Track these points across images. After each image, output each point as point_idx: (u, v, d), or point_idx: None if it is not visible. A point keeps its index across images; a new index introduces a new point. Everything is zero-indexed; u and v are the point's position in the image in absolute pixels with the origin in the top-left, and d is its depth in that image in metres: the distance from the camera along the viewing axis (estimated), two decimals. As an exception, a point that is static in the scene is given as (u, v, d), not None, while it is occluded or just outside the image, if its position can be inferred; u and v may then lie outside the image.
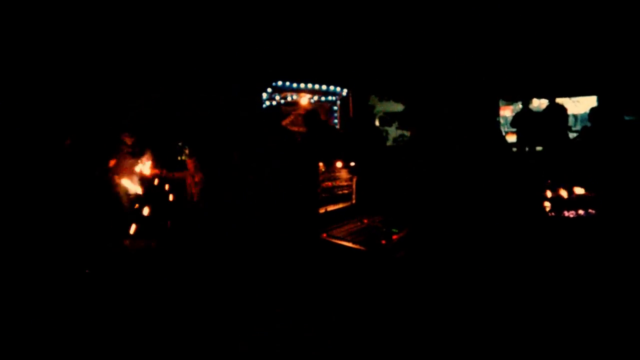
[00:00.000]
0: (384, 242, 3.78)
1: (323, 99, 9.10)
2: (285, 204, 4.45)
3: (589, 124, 5.88)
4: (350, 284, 3.68)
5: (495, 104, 9.87)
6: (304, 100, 8.70)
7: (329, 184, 4.45)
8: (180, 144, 8.25)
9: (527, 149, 8.45)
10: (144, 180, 5.74)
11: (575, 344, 2.93)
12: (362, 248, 3.68)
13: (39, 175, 5.34)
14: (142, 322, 3.48)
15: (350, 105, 9.15)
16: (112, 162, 5.88)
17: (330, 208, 4.41)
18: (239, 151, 5.27)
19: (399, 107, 10.75)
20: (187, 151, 8.17)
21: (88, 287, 4.10)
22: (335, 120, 9.17)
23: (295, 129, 8.35)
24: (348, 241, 3.80)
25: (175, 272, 4.41)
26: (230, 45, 8.10)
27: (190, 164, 5.70)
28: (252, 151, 4.97)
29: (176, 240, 5.25)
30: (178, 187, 5.83)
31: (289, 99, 8.72)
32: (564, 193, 4.84)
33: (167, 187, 5.67)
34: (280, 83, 8.42)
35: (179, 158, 8.09)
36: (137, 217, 5.32)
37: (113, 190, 5.65)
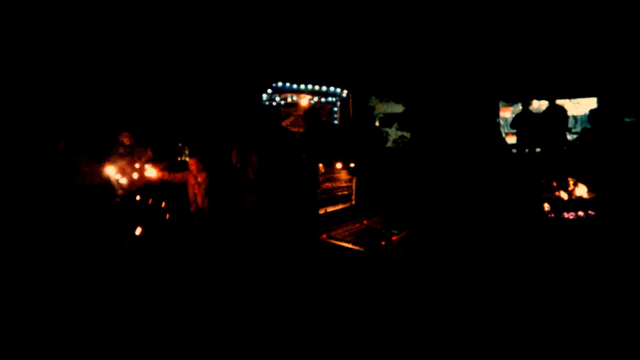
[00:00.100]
0: (383, 243, 3.78)
1: (323, 100, 9.10)
2: (285, 204, 4.45)
3: (589, 126, 5.89)
4: (350, 285, 3.68)
5: (495, 105, 9.88)
6: (304, 101, 8.71)
7: (329, 185, 4.46)
8: (180, 144, 8.26)
9: (526, 150, 8.46)
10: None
11: (575, 344, 2.93)
12: (361, 249, 3.68)
13: (34, 177, 5.36)
14: (143, 322, 3.48)
15: (350, 106, 9.16)
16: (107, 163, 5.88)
17: (330, 209, 4.42)
18: (237, 151, 5.26)
19: (399, 109, 10.76)
20: (187, 151, 8.19)
21: (88, 287, 4.10)
22: (336, 122, 9.18)
23: (296, 129, 8.35)
24: (347, 242, 3.80)
25: (176, 273, 4.41)
26: (231, 46, 8.11)
27: (192, 164, 5.66)
28: (251, 152, 4.97)
29: (176, 240, 5.25)
30: (179, 189, 5.80)
31: (289, 100, 8.73)
32: (563, 194, 4.85)
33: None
34: (280, 84, 8.43)
35: (179, 159, 8.10)
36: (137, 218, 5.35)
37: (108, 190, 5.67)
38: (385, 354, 2.99)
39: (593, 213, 4.56)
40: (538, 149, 8.28)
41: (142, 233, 5.15)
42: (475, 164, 4.15)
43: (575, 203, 4.68)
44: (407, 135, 10.00)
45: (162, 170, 5.78)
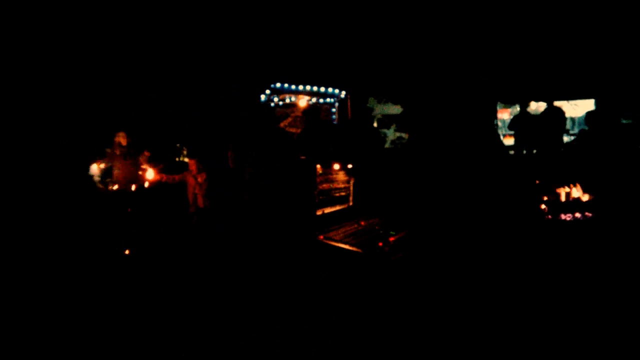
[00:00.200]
0: (380, 244, 3.78)
1: (321, 100, 9.11)
2: (282, 205, 4.45)
3: (586, 127, 5.91)
4: (349, 286, 3.68)
5: (493, 107, 9.89)
6: (303, 102, 8.71)
7: (327, 186, 4.45)
8: (178, 145, 8.25)
9: (524, 151, 8.47)
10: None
11: (573, 347, 2.94)
12: (358, 250, 3.68)
13: (33, 176, 5.34)
14: (143, 322, 3.48)
15: (349, 107, 9.17)
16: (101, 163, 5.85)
17: (328, 210, 4.42)
18: (234, 152, 5.24)
19: (397, 110, 10.77)
20: (185, 152, 8.18)
21: (88, 287, 4.09)
22: (334, 122, 9.18)
23: (294, 130, 8.36)
24: (345, 243, 3.80)
25: (176, 273, 4.42)
26: (229, 47, 8.11)
27: (192, 164, 5.62)
28: (247, 152, 4.96)
29: (177, 241, 5.24)
30: (177, 191, 5.78)
31: (287, 100, 8.73)
32: (561, 196, 4.86)
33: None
34: (278, 85, 8.43)
35: (177, 159, 8.09)
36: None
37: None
38: (385, 354, 2.99)
39: (590, 215, 4.57)
40: (535, 151, 8.30)
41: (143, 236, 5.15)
42: (472, 165, 4.16)
43: (573, 205, 4.68)
44: (405, 136, 10.01)
45: (159, 172, 5.73)
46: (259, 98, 8.33)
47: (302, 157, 5.29)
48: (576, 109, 11.06)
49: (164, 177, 5.67)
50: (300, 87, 8.62)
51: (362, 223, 4.37)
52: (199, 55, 8.06)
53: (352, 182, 4.76)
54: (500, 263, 3.80)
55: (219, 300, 3.87)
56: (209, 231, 5.24)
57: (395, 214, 4.46)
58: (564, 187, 4.87)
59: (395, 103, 10.68)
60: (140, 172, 5.78)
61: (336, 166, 4.59)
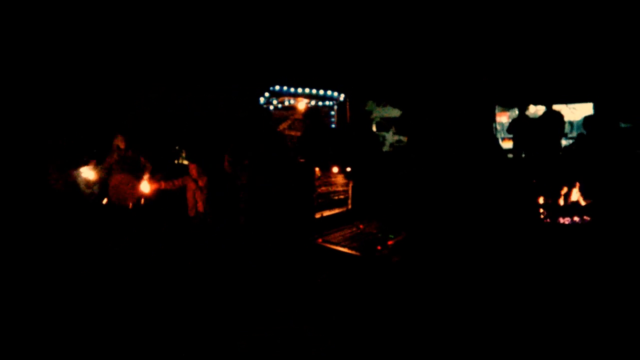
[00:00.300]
0: (379, 247, 3.78)
1: (320, 103, 9.11)
2: (281, 209, 4.45)
3: (584, 131, 5.92)
4: (348, 289, 3.68)
5: (491, 110, 9.92)
6: (302, 105, 8.72)
7: (325, 189, 4.46)
8: (177, 147, 8.24)
9: (523, 155, 8.47)
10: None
11: (570, 349, 2.94)
12: (357, 254, 3.68)
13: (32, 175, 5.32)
14: (144, 322, 3.48)
15: (348, 110, 9.17)
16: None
17: (326, 213, 4.42)
18: (231, 157, 5.20)
19: (396, 113, 10.78)
20: (184, 154, 8.17)
21: (88, 287, 4.09)
22: (333, 125, 9.19)
23: (293, 133, 8.36)
24: (343, 247, 3.80)
25: (177, 274, 4.41)
26: (229, 50, 8.12)
27: (193, 169, 5.52)
28: (244, 157, 4.95)
29: (177, 241, 5.23)
30: (176, 194, 5.71)
31: (286, 103, 8.73)
32: (559, 200, 4.87)
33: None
34: (277, 87, 8.44)
35: (176, 162, 8.08)
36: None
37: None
38: (384, 354, 2.99)
39: (588, 219, 4.58)
40: (534, 154, 8.30)
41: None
42: (470, 168, 4.17)
43: (571, 208, 4.69)
44: (404, 139, 10.02)
45: (158, 180, 5.56)
46: (258, 100, 8.34)
47: (301, 160, 5.29)
48: (575, 112, 11.07)
49: (163, 183, 5.54)
50: (300, 90, 8.62)
51: (361, 226, 4.37)
52: (199, 57, 8.07)
53: (350, 185, 4.76)
54: (498, 266, 3.80)
55: (219, 300, 3.87)
56: (209, 234, 5.23)
57: (394, 217, 4.46)
58: (562, 190, 4.88)
59: (394, 106, 10.68)
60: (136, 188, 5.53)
61: (335, 169, 4.59)
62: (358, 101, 9.31)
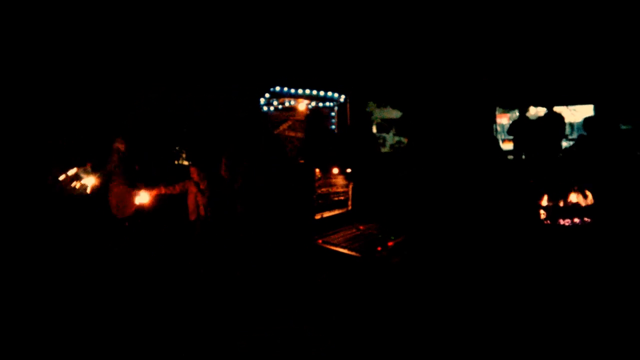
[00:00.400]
0: (379, 248, 3.78)
1: (321, 105, 9.11)
2: (279, 210, 4.45)
3: (585, 133, 5.91)
4: (348, 289, 3.68)
5: (492, 112, 9.91)
6: (302, 106, 8.71)
7: (325, 190, 4.46)
8: (177, 148, 8.23)
9: (523, 157, 8.47)
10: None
11: (569, 351, 2.93)
12: (357, 255, 3.68)
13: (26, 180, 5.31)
14: (145, 322, 3.49)
15: (348, 111, 9.16)
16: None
17: (327, 214, 4.42)
18: (227, 161, 5.14)
19: (396, 114, 10.77)
20: (184, 155, 8.16)
21: (89, 286, 4.10)
22: (333, 127, 9.18)
23: (293, 134, 8.35)
24: (343, 248, 3.81)
25: (177, 274, 4.42)
26: (229, 52, 8.13)
27: (194, 172, 5.46)
28: (240, 162, 4.93)
29: (178, 242, 5.22)
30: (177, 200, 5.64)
31: (286, 104, 8.73)
32: (560, 201, 4.86)
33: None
34: (278, 88, 8.43)
35: (176, 162, 8.06)
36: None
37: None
38: (384, 354, 3.00)
39: (589, 220, 4.57)
40: (534, 156, 8.29)
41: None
42: (470, 169, 4.17)
43: (571, 210, 4.68)
44: (404, 140, 10.02)
45: (156, 187, 5.47)
46: (258, 101, 8.34)
47: (301, 161, 5.29)
48: (575, 114, 11.07)
49: (163, 189, 5.46)
50: (300, 91, 8.61)
51: (361, 227, 4.37)
52: (199, 58, 8.07)
53: (351, 186, 4.76)
54: (498, 267, 3.80)
55: (219, 300, 3.87)
56: (209, 235, 5.21)
57: (394, 219, 4.46)
58: (562, 192, 4.87)
59: (394, 107, 10.68)
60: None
61: (335, 170, 4.59)
62: (359, 102, 9.29)
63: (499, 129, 11.06)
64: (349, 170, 4.75)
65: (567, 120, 8.85)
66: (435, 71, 8.60)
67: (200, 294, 4.02)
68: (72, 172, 5.40)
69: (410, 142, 6.14)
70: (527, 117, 8.71)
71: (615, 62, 8.48)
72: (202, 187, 5.35)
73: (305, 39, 8.21)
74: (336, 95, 9.09)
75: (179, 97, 8.23)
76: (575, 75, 9.07)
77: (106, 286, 4.15)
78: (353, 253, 3.72)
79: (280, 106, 8.65)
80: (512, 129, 8.76)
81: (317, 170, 4.37)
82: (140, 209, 5.35)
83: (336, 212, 4.57)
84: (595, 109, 9.92)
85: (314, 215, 4.28)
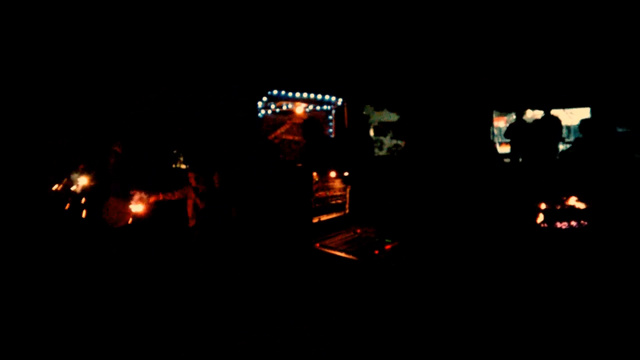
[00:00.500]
0: (376, 252, 3.78)
1: (318, 108, 9.13)
2: (277, 213, 4.45)
3: (581, 136, 5.93)
4: (346, 291, 3.69)
5: (488, 115, 9.94)
6: (299, 109, 8.73)
7: (323, 193, 4.46)
8: (175, 151, 8.21)
9: (520, 160, 8.50)
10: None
11: (567, 354, 2.94)
12: (354, 258, 3.69)
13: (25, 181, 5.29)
14: (145, 322, 3.48)
15: (345, 114, 9.19)
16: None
17: (324, 218, 4.43)
18: (220, 172, 5.12)
19: (394, 117, 10.81)
20: (182, 158, 8.14)
21: (88, 287, 4.09)
22: (330, 130, 9.20)
23: (291, 137, 8.38)
24: (341, 251, 3.81)
25: (177, 275, 4.41)
26: (226, 56, 8.13)
27: (192, 177, 5.44)
28: (234, 166, 4.92)
29: (178, 242, 5.20)
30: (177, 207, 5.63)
31: (284, 107, 8.74)
32: (557, 204, 4.87)
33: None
34: (275, 92, 8.45)
35: (174, 165, 8.05)
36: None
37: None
38: (383, 354, 3.00)
39: (586, 223, 4.58)
40: (531, 159, 8.33)
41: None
42: (467, 173, 4.18)
43: (568, 213, 4.69)
44: (402, 143, 10.05)
45: (155, 193, 5.45)
46: (256, 105, 8.34)
47: (299, 165, 5.29)
48: (572, 117, 11.13)
49: (161, 195, 5.45)
50: (297, 95, 8.63)
51: (358, 231, 4.38)
52: (198, 60, 8.08)
53: (348, 189, 4.77)
54: (495, 270, 3.80)
55: (219, 300, 3.87)
56: (209, 238, 5.20)
57: (391, 222, 4.47)
58: (559, 195, 4.88)
59: (392, 110, 10.71)
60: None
61: (332, 174, 4.60)
62: (356, 105, 9.32)
63: (495, 132, 11.12)
64: (346, 174, 4.75)
65: (564, 123, 8.89)
66: (433, 75, 8.62)
67: (200, 294, 4.02)
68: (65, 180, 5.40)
69: (408, 145, 6.15)
70: (524, 120, 8.75)
71: (612, 65, 8.52)
72: (200, 191, 5.34)
73: (303, 42, 8.23)
74: (334, 98, 9.12)
75: (179, 97, 8.22)
76: (572, 78, 9.11)
77: (106, 286, 4.14)
78: (350, 256, 3.72)
79: (277, 109, 8.67)
80: (509, 132, 8.80)
81: (315, 173, 4.37)
82: (138, 216, 5.34)
83: (334, 215, 4.57)
84: (592, 112, 9.97)
85: (312, 218, 4.29)
